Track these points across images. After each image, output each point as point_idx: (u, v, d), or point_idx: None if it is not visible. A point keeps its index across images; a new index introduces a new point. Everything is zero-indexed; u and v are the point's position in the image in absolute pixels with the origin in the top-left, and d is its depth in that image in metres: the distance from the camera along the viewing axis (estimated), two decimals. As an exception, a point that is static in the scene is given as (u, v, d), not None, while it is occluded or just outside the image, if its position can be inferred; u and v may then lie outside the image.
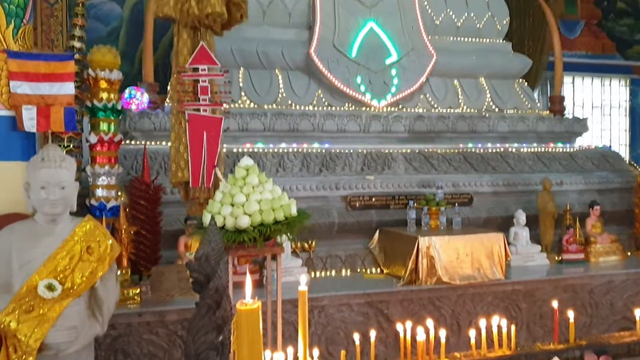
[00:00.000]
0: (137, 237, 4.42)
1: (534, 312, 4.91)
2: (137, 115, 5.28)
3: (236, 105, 5.84)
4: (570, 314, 3.67)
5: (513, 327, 3.57)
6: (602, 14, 10.25)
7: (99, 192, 4.20)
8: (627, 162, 7.18)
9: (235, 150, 5.38)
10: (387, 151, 5.96)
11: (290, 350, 3.20)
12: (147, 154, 4.78)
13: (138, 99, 4.79)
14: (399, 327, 3.43)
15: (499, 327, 3.56)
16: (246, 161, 3.33)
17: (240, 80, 6.07)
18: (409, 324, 3.40)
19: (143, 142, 5.17)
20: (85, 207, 4.14)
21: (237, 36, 5.88)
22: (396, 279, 4.87)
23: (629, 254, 5.93)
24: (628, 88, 10.43)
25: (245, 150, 5.43)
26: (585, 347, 3.50)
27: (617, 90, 10.41)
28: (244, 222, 3.12)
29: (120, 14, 7.65)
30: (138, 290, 4.12)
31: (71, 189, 3.10)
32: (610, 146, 7.43)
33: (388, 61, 6.50)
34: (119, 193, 4.32)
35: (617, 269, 5.43)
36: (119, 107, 4.30)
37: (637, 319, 3.77)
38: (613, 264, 5.59)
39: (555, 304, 3.77)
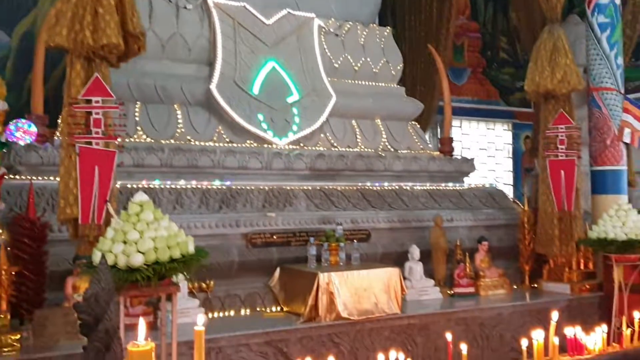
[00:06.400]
0: (19, 277, 4.09)
1: (429, 346, 5.05)
2: (23, 148, 4.97)
3: (132, 139, 5.66)
4: (463, 347, 3.80)
5: (409, 361, 3.66)
6: (487, 63, 11.12)
7: (-24, 230, 3.87)
8: (512, 200, 7.69)
9: (129, 186, 5.19)
10: (288, 188, 5.99)
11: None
12: (34, 189, 4.48)
13: (25, 130, 4.52)
14: (298, 365, 3.40)
15: (396, 361, 3.63)
16: (140, 197, 3.21)
17: (137, 114, 5.91)
18: (308, 361, 3.38)
19: (29, 177, 4.85)
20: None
21: (135, 70, 5.77)
22: (296, 316, 4.84)
23: (514, 287, 6.29)
24: (511, 132, 11.29)
25: (140, 186, 5.25)
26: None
27: (501, 134, 11.25)
28: (137, 260, 2.99)
29: (7, 43, 7.24)
30: (18, 336, 3.79)
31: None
32: (496, 185, 7.92)
33: (289, 100, 6.61)
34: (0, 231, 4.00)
35: (505, 302, 5.72)
36: (3, 140, 4.03)
37: (523, 348, 3.98)
38: (501, 297, 5.90)
39: (449, 337, 3.91)
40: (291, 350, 4.48)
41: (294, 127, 6.54)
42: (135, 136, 5.77)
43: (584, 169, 6.64)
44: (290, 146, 6.47)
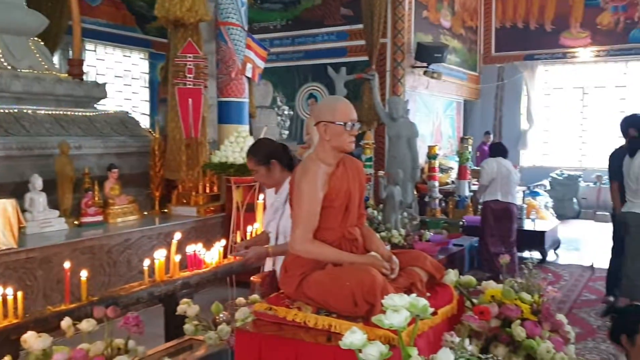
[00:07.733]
0: None
1: (51, 278, 4.77)
2: None
3: None
4: (83, 274, 3.67)
5: (20, 294, 3.34)
6: (126, -14, 10.60)
7: None
8: (146, 128, 7.68)
9: None
10: None
11: None
12: None
13: None
14: None
15: (4, 297, 3.29)
16: None
17: None
18: None
19: None
20: None
21: None
22: None
23: (145, 213, 6.38)
24: (148, 61, 11.14)
25: None
26: (97, 303, 3.57)
27: (138, 62, 11.02)
28: None
29: None
30: None
31: None
32: (129, 113, 7.77)
33: None
34: None
35: (134, 227, 5.76)
36: None
37: (145, 268, 4.07)
38: (131, 224, 5.91)
39: (67, 265, 3.72)
40: None
41: None
42: None
43: (211, 100, 7.04)
44: None
